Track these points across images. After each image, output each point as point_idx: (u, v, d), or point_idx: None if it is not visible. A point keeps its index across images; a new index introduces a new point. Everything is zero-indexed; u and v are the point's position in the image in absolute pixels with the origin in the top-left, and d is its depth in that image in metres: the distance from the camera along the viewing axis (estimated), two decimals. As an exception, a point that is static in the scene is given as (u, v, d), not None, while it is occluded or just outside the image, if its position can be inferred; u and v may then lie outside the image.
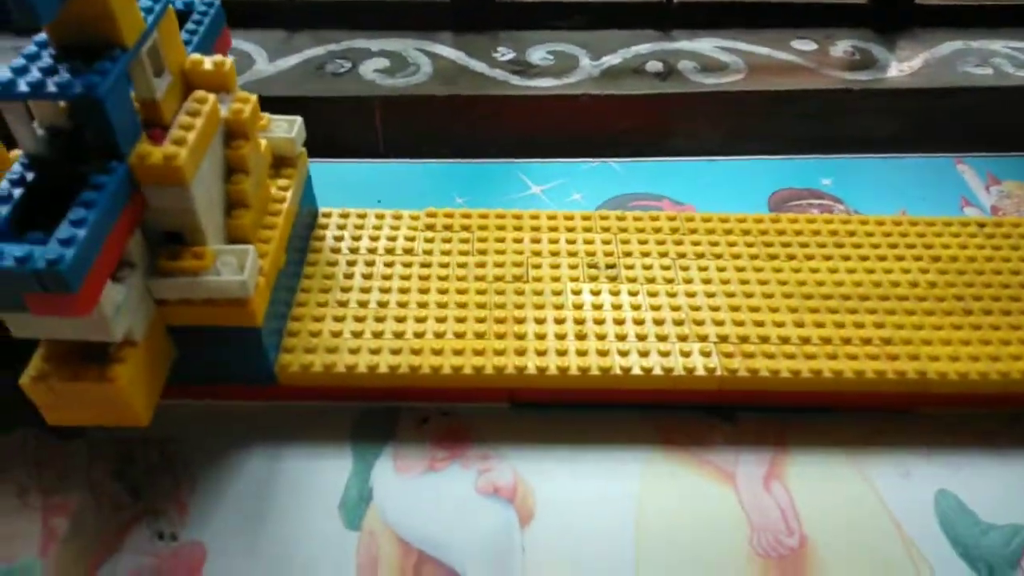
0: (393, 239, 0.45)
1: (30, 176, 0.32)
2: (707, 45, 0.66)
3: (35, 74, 0.31)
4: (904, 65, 0.63)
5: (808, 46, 0.65)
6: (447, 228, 0.46)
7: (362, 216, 0.47)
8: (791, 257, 0.45)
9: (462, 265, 0.44)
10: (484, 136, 0.61)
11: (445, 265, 0.44)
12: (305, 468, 0.38)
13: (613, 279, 0.43)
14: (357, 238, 0.45)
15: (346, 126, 0.60)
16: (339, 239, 0.45)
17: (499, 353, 0.39)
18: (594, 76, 0.62)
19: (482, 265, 0.44)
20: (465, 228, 0.46)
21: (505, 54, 0.64)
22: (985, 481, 0.38)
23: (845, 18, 0.68)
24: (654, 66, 0.63)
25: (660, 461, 0.39)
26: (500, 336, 0.40)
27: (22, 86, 0.30)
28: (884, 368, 0.39)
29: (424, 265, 0.44)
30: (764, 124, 0.61)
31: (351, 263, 0.44)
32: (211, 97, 0.36)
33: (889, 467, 0.38)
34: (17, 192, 0.31)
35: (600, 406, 0.40)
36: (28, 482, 0.37)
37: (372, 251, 0.44)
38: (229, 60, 0.38)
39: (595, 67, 0.63)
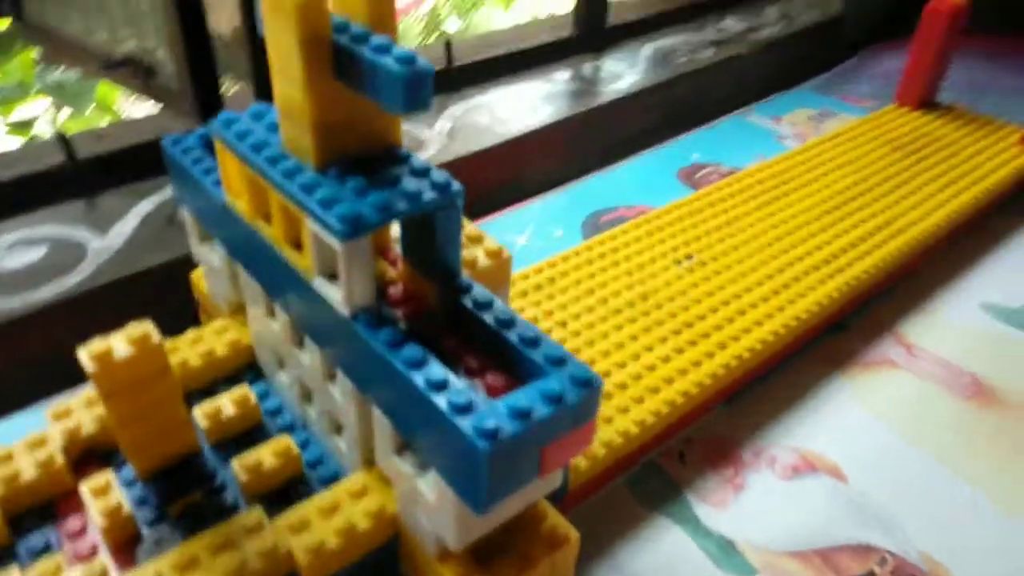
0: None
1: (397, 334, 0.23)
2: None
3: (371, 195, 0.23)
4: (635, 72, 0.74)
5: (565, 75, 0.73)
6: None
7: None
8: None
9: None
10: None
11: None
12: (651, 557, 0.33)
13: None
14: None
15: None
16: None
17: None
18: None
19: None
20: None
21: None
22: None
23: (560, 52, 0.77)
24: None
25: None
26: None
27: (372, 213, 0.22)
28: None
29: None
30: (591, 142, 0.67)
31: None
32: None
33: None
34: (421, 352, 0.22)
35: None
36: None
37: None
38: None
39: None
